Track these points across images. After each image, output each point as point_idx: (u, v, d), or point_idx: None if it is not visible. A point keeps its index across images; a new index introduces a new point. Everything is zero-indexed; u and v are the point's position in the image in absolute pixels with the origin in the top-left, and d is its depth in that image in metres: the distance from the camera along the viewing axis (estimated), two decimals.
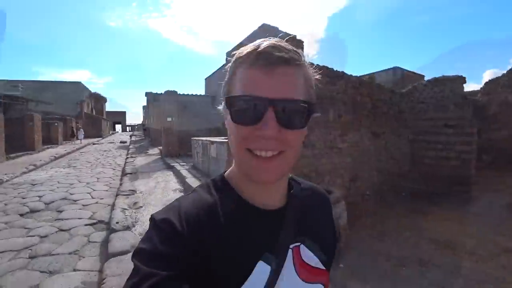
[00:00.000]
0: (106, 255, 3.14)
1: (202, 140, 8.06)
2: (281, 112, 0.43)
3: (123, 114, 62.36)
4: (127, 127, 60.59)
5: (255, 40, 0.46)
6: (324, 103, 4.52)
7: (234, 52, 0.47)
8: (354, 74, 5.74)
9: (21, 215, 4.59)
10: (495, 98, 9.21)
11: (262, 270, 0.47)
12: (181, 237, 0.44)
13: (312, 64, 0.51)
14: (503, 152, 8.60)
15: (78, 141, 21.28)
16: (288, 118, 0.43)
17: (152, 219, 0.47)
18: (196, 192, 0.54)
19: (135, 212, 4.67)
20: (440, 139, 6.13)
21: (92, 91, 35.90)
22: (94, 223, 4.25)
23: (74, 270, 2.89)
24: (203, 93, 26.32)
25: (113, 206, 4.92)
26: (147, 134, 25.53)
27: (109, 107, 48.90)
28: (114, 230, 3.71)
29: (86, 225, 4.16)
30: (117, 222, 3.93)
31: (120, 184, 6.86)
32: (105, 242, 3.49)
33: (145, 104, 27.57)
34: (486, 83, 9.90)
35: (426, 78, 8.51)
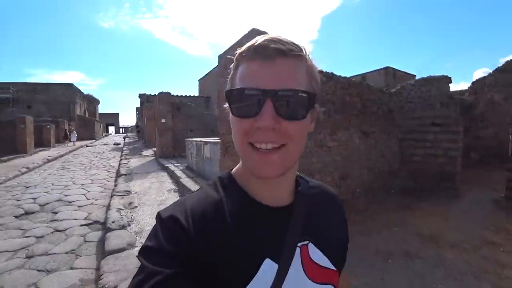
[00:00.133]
0: (102, 253, 3.21)
1: (196, 141, 8.12)
2: (279, 102, 0.42)
3: (116, 116, 62.01)
4: (121, 129, 60.19)
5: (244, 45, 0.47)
6: None
7: (236, 51, 0.47)
8: (348, 75, 6.03)
9: (16, 217, 4.61)
10: (482, 97, 9.35)
11: (268, 268, 0.45)
12: (186, 234, 0.43)
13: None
14: (490, 149, 8.73)
15: (71, 144, 21.08)
16: (286, 109, 0.42)
17: (158, 216, 0.47)
18: (203, 189, 0.53)
19: (130, 212, 4.75)
20: (428, 137, 6.24)
21: (85, 93, 35.66)
22: (90, 224, 4.30)
23: (71, 268, 2.94)
24: (197, 94, 26.33)
25: (108, 206, 4.98)
26: (141, 135, 25.42)
27: (102, 109, 48.61)
28: (110, 229, 3.77)
29: (82, 225, 4.21)
30: (113, 222, 4.00)
31: (115, 185, 6.89)
32: (101, 241, 3.55)
33: (138, 105, 27.48)
34: (473, 83, 10.08)
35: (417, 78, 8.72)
